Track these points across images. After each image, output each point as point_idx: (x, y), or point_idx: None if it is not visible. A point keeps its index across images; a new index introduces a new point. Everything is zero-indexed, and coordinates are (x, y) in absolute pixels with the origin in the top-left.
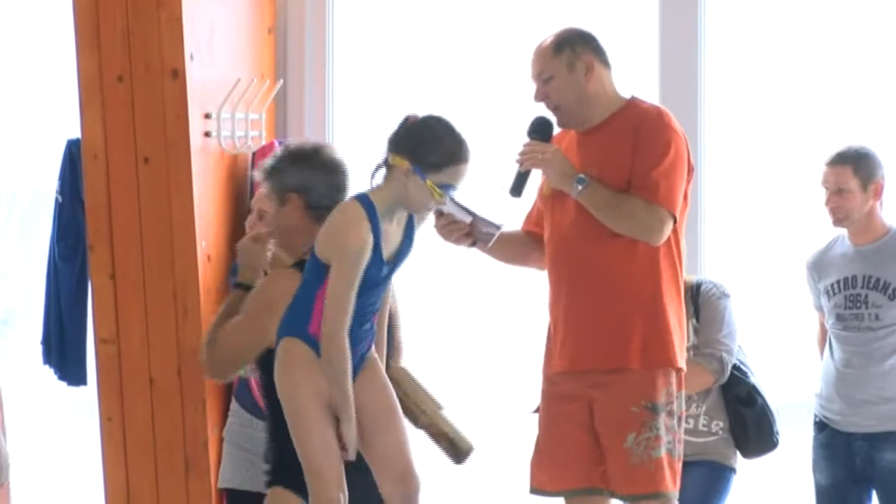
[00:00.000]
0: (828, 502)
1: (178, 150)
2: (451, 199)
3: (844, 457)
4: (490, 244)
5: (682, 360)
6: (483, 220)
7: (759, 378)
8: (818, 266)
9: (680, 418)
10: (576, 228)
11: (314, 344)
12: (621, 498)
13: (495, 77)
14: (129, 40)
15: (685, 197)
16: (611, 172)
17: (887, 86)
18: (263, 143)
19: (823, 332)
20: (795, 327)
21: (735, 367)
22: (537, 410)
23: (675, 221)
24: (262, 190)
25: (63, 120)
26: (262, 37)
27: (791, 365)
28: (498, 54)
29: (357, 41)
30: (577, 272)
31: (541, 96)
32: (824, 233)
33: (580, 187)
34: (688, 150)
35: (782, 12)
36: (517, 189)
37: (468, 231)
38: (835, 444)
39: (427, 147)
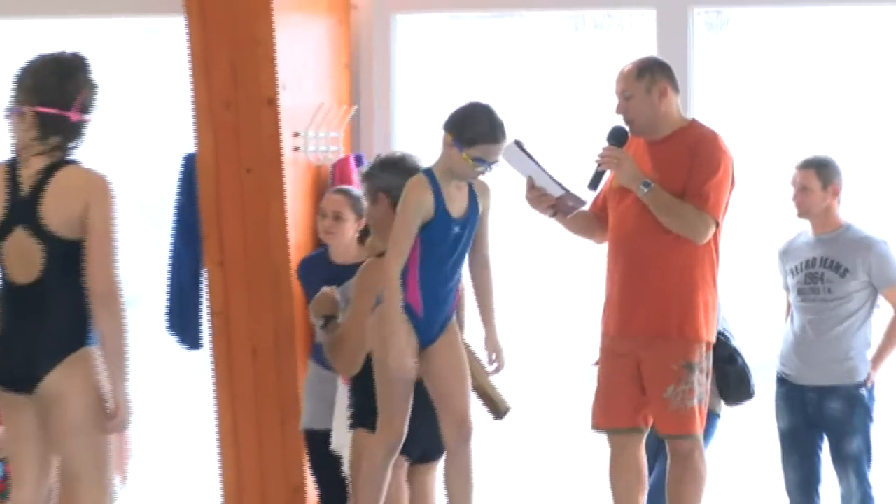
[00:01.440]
0: (788, 443)
1: (273, 162)
2: (546, 173)
3: (800, 406)
4: (570, 216)
5: (709, 335)
6: (572, 195)
7: (739, 342)
8: (786, 252)
9: (708, 374)
10: (636, 220)
11: (410, 311)
12: (660, 436)
13: (528, 100)
14: (234, 73)
15: (726, 207)
16: (669, 179)
17: (853, 102)
18: (341, 156)
19: (790, 308)
20: (768, 303)
21: (720, 334)
22: (597, 363)
23: (717, 227)
24: (335, 196)
25: (181, 137)
26: (340, 70)
27: (764, 332)
28: (527, 77)
29: (414, 73)
30: (633, 256)
31: (621, 110)
32: (791, 226)
33: (645, 190)
34: (733, 169)
35: (764, 35)
36: (594, 184)
37: (554, 203)
38: (792, 395)
39: (465, 125)
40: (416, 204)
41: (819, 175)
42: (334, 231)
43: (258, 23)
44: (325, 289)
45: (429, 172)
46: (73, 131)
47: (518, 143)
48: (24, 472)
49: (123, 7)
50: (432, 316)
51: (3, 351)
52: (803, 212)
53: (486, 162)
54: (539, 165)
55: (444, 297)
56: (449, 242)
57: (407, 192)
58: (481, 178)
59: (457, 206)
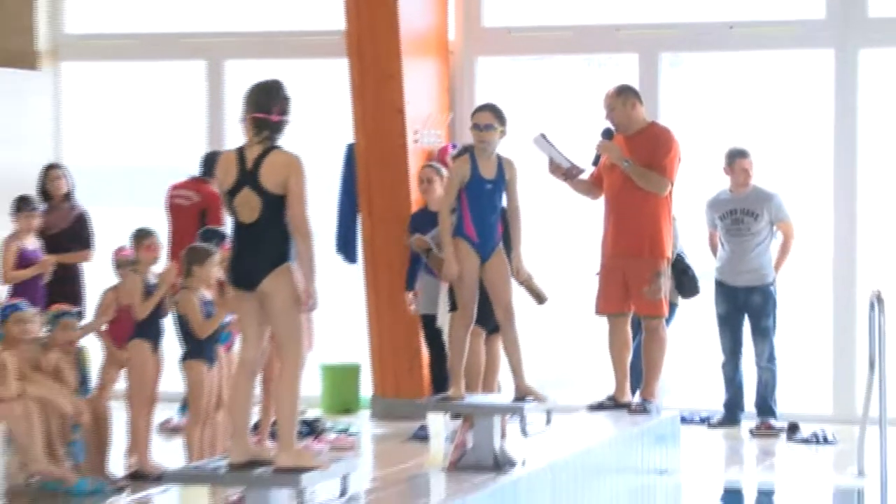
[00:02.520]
0: (723, 323)
1: (401, 149)
2: (560, 153)
3: (731, 298)
4: (575, 180)
5: (669, 254)
6: (576, 166)
7: (690, 259)
8: (713, 205)
9: (668, 278)
10: (621, 184)
11: (469, 238)
12: (639, 317)
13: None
14: (377, 95)
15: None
16: (639, 158)
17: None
18: (442, 145)
19: (713, 239)
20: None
21: (678, 254)
22: (598, 273)
23: (672, 185)
24: (426, 168)
25: (344, 134)
26: (443, 91)
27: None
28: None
29: (489, 95)
30: (619, 206)
31: (608, 116)
32: (710, 187)
33: (626, 164)
34: (679, 150)
35: (708, 70)
36: (595, 162)
37: (565, 172)
38: (726, 292)
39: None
40: (459, 172)
41: (741, 159)
42: (427, 191)
43: (392, 63)
44: (417, 235)
45: (471, 153)
46: (275, 128)
47: (543, 135)
48: (248, 340)
49: (304, 52)
50: (483, 241)
51: (236, 265)
52: (740, 184)
53: (478, 126)
54: (556, 149)
55: (489, 229)
56: (485, 194)
57: (453, 165)
58: (506, 155)
59: (487, 171)
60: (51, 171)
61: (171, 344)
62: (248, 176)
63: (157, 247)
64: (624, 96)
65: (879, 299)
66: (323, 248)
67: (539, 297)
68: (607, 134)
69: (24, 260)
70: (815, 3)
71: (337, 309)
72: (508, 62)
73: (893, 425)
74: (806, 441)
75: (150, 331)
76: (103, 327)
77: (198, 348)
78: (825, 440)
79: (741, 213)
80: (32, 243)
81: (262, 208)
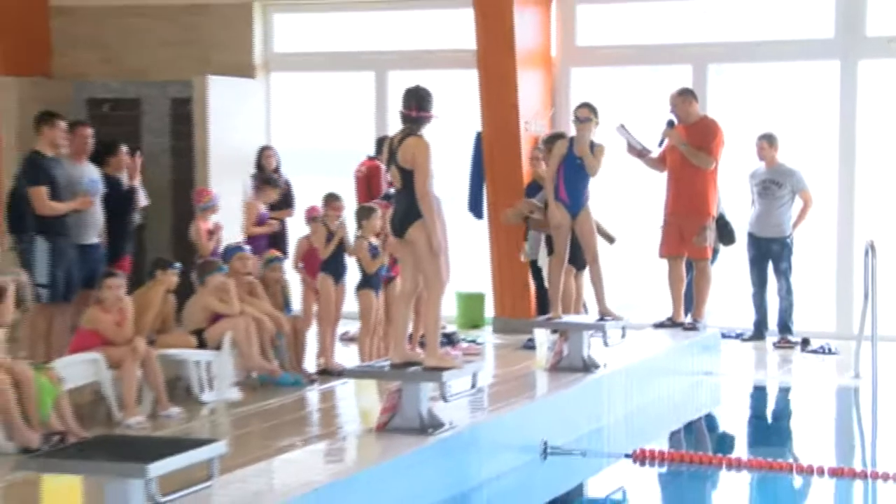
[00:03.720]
0: (753, 264)
1: (515, 136)
2: (635, 138)
3: (759, 245)
4: (645, 158)
5: (714, 213)
6: (646, 148)
7: (730, 218)
8: (752, 175)
9: (713, 230)
10: (680, 161)
11: (563, 201)
12: (690, 259)
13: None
14: (499, 96)
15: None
16: (694, 142)
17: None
18: (546, 132)
19: (753, 199)
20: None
21: (721, 214)
22: (661, 227)
23: (717, 163)
24: (536, 150)
25: (474, 124)
26: (547, 91)
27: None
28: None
29: (581, 96)
30: (678, 177)
31: (672, 111)
32: (746, 164)
33: (683, 147)
34: (723, 136)
35: (744, 77)
36: (661, 144)
37: (639, 152)
38: (755, 241)
39: None
40: (557, 151)
41: (770, 142)
42: (535, 166)
43: (508, 72)
44: (526, 199)
45: (570, 138)
46: (414, 121)
47: (622, 126)
48: (405, 275)
49: (441, 64)
50: (573, 202)
51: (392, 220)
52: (768, 161)
53: (578, 118)
54: (632, 135)
55: (578, 193)
56: (576, 168)
57: (555, 146)
58: (598, 140)
59: (580, 151)
60: (264, 151)
61: (351, 277)
62: (392, 155)
63: (341, 207)
64: (684, 96)
65: (872, 248)
66: (459, 208)
67: (609, 239)
68: (671, 124)
69: (259, 219)
70: (825, 25)
71: (469, 252)
72: (595, 71)
73: (882, 340)
74: (815, 352)
75: (332, 267)
76: (300, 265)
77: (367, 281)
78: (830, 351)
79: (769, 183)
80: (264, 208)
81: (401, 178)
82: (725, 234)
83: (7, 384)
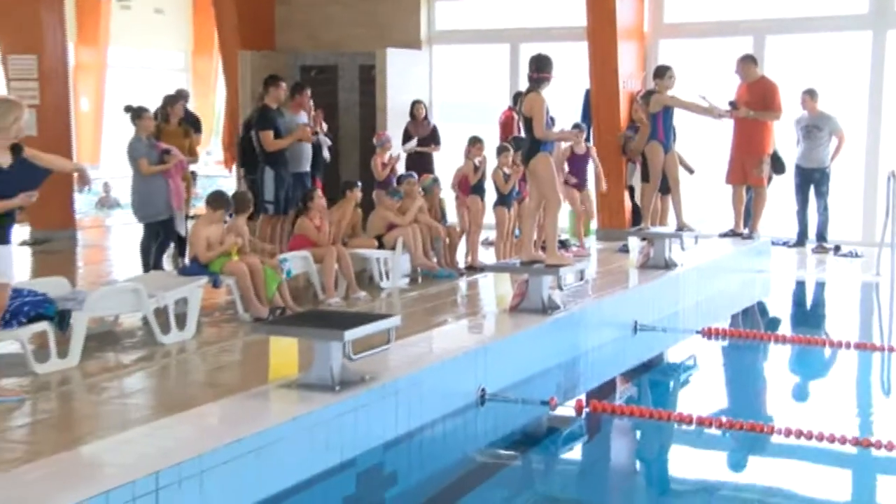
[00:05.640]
0: (798, 188)
1: (614, 93)
2: (710, 103)
3: (804, 174)
4: (721, 118)
5: (770, 150)
6: (718, 108)
7: (781, 154)
8: (798, 121)
9: (768, 164)
10: (746, 118)
11: (660, 141)
12: (750, 185)
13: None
14: (602, 61)
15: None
16: (755, 100)
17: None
18: (639, 90)
19: (799, 139)
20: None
21: (775, 151)
22: (728, 160)
23: (781, 113)
24: (634, 104)
25: (584, 83)
26: (640, 58)
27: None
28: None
29: (667, 62)
30: (742, 126)
31: (737, 71)
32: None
33: (751, 114)
34: (779, 91)
35: (795, 46)
36: (730, 106)
37: (719, 114)
38: (800, 171)
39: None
40: (658, 100)
41: (812, 97)
42: (636, 112)
43: (610, 44)
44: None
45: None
46: (534, 81)
47: (703, 97)
48: (532, 195)
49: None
50: (666, 142)
51: (523, 152)
52: (810, 110)
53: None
54: (707, 99)
55: (670, 137)
56: (671, 116)
57: (656, 97)
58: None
59: (672, 103)
60: (415, 104)
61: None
62: (520, 106)
63: (482, 147)
64: (745, 61)
65: (893, 175)
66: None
67: (689, 170)
68: (733, 105)
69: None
70: (860, 1)
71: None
72: (679, 42)
73: None
74: (845, 256)
75: (478, 190)
76: (456, 187)
77: (502, 199)
78: (856, 255)
79: (811, 127)
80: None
81: (525, 124)
82: (778, 166)
83: (245, 272)
